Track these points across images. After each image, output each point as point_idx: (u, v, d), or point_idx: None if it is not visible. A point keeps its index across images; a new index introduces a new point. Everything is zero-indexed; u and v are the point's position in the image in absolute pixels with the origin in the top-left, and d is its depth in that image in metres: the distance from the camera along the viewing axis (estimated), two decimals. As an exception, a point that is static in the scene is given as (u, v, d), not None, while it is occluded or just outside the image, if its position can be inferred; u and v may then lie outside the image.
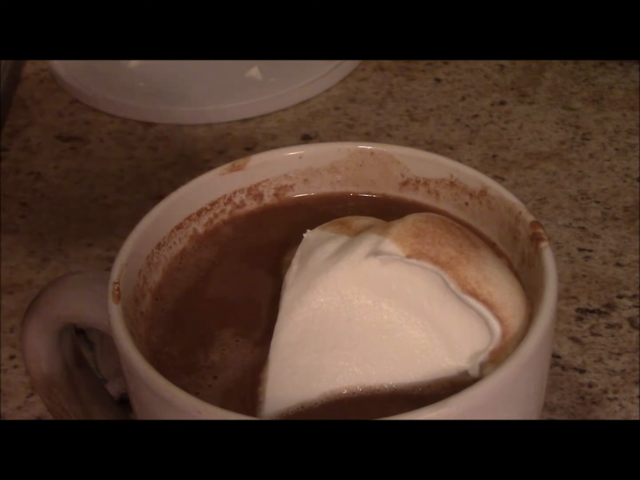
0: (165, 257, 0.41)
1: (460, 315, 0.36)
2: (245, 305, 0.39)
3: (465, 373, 0.36)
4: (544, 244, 0.38)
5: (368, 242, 0.37)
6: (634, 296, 0.58)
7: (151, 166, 0.70)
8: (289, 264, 0.38)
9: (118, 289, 0.37)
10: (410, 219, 0.37)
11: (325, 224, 0.40)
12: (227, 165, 0.43)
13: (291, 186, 0.44)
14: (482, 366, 0.36)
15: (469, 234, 0.38)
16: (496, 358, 0.36)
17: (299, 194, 0.44)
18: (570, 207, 0.64)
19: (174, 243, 0.42)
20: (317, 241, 0.39)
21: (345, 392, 0.35)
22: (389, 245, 0.36)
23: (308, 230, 0.39)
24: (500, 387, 0.34)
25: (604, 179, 0.67)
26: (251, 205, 0.44)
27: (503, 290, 0.36)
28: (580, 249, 0.61)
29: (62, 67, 0.79)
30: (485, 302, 0.35)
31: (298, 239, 0.39)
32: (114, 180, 0.69)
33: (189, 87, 0.77)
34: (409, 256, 0.36)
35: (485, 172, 0.42)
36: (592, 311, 0.57)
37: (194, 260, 0.41)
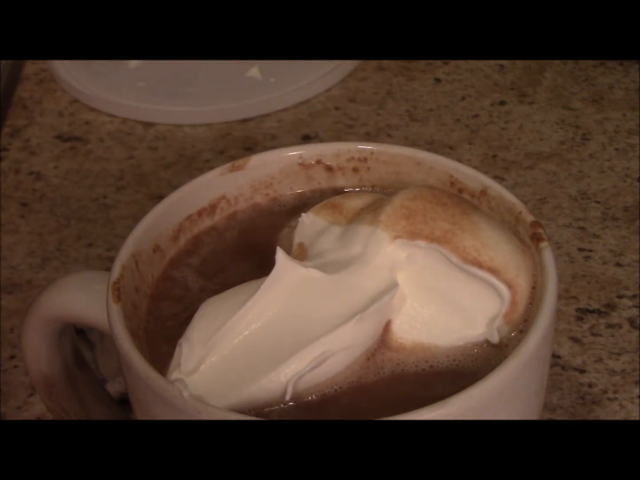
0: (165, 257, 0.41)
1: (468, 285, 0.36)
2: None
3: (485, 340, 0.36)
4: (544, 244, 0.38)
5: (361, 240, 0.37)
6: (634, 296, 0.58)
7: (151, 166, 0.70)
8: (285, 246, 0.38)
9: (118, 289, 0.37)
10: (398, 199, 0.38)
11: (318, 206, 0.41)
12: (227, 165, 0.43)
13: (291, 186, 0.44)
14: (499, 330, 0.36)
15: (460, 201, 0.39)
16: (510, 320, 0.37)
17: (299, 193, 0.44)
18: (570, 207, 0.64)
19: (174, 243, 0.42)
20: (312, 229, 0.39)
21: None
22: (381, 234, 0.37)
23: (302, 214, 0.40)
24: (500, 387, 0.34)
25: (604, 179, 0.67)
26: (251, 205, 0.44)
27: (502, 252, 0.37)
28: (580, 249, 0.61)
29: (62, 67, 0.79)
30: (488, 269, 0.36)
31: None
32: (114, 180, 0.69)
33: (189, 87, 0.77)
34: (401, 238, 0.36)
35: (485, 172, 0.42)
36: (592, 311, 0.57)
37: (195, 260, 0.41)
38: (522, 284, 0.37)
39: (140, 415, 0.37)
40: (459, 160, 0.43)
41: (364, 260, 0.37)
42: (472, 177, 0.42)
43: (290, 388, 0.34)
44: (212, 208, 0.43)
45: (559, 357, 0.54)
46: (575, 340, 0.55)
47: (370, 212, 0.38)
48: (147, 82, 0.78)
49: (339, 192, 0.44)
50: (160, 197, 0.42)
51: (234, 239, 0.43)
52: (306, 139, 0.72)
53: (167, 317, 0.39)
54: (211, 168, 0.43)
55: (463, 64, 0.79)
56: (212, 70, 0.78)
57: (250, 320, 0.35)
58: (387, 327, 0.37)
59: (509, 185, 0.66)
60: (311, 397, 0.35)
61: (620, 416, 0.51)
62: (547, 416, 0.51)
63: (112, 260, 0.39)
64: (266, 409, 0.34)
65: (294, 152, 0.44)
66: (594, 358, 0.54)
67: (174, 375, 0.35)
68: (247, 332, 0.35)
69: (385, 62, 0.80)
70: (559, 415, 0.51)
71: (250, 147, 0.71)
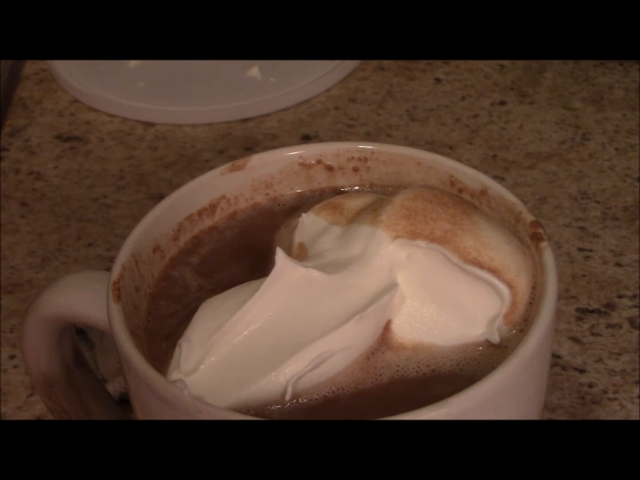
0: (166, 257, 0.41)
1: (468, 285, 0.37)
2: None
3: (485, 340, 0.36)
4: (544, 244, 0.38)
5: (361, 240, 0.37)
6: (634, 296, 0.58)
7: (151, 166, 0.70)
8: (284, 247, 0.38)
9: (118, 289, 0.37)
10: (399, 199, 0.38)
11: (318, 206, 0.41)
12: (228, 165, 0.43)
13: (291, 186, 0.44)
14: (499, 330, 0.36)
15: (460, 201, 0.39)
16: (510, 320, 0.37)
17: (299, 193, 0.44)
18: (570, 207, 0.64)
19: (174, 243, 0.42)
20: (313, 229, 0.39)
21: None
22: (382, 234, 0.37)
23: (303, 214, 0.40)
24: (500, 387, 0.34)
25: (604, 179, 0.67)
26: (251, 205, 0.44)
27: (503, 252, 0.37)
28: (580, 249, 0.61)
29: (62, 67, 0.79)
30: (489, 269, 0.36)
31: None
32: (114, 180, 0.69)
33: (189, 86, 0.77)
34: (402, 237, 0.36)
35: (486, 172, 0.42)
36: (592, 311, 0.57)
37: (195, 259, 0.41)
38: (523, 284, 0.37)
39: (140, 415, 0.37)
40: (459, 160, 0.43)
41: (364, 260, 0.37)
42: (472, 177, 0.42)
43: (290, 388, 0.34)
44: (212, 208, 0.43)
45: (559, 357, 0.54)
46: (575, 340, 0.55)
47: (371, 212, 0.38)
48: (147, 82, 0.78)
49: (339, 192, 0.44)
50: (161, 197, 0.42)
51: (234, 239, 0.43)
52: (306, 138, 0.72)
53: (167, 316, 0.39)
54: (211, 168, 0.43)
55: (463, 63, 0.79)
56: (212, 70, 0.78)
57: (250, 321, 0.35)
58: (387, 327, 0.37)
59: (509, 185, 0.66)
60: (311, 398, 0.35)
61: (620, 416, 0.51)
62: (547, 416, 0.51)
63: (112, 260, 0.39)
64: (266, 409, 0.34)
65: (294, 152, 0.44)
66: (594, 358, 0.54)
67: (173, 375, 0.35)
68: (246, 332, 0.35)
69: (385, 62, 0.79)
70: (559, 415, 0.51)
71: (250, 147, 0.71)
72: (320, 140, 0.71)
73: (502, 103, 0.75)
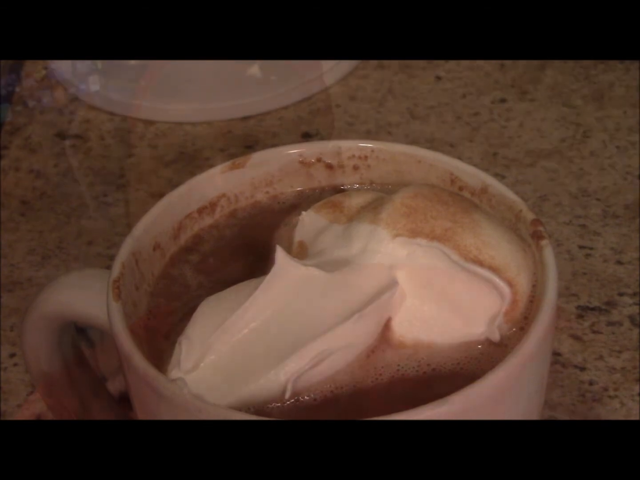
0: (166, 255, 0.41)
1: (468, 283, 0.36)
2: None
3: (486, 339, 0.36)
4: (544, 242, 0.38)
5: (362, 238, 0.37)
6: (635, 294, 0.57)
7: (151, 164, 0.70)
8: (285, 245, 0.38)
9: (118, 287, 0.37)
10: (399, 198, 0.38)
11: (318, 204, 0.41)
12: (228, 163, 0.43)
13: (292, 184, 0.44)
14: (499, 328, 0.36)
15: (461, 199, 0.39)
16: (511, 318, 0.36)
17: (300, 191, 0.44)
18: (570, 204, 0.64)
19: (174, 241, 0.42)
20: (313, 228, 0.39)
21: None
22: (382, 232, 0.37)
23: (303, 213, 0.40)
24: (501, 385, 0.34)
25: (605, 177, 0.67)
26: (252, 203, 0.44)
27: (503, 250, 0.37)
28: (581, 247, 0.61)
29: (62, 65, 0.79)
30: (489, 267, 0.36)
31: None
32: (114, 178, 0.69)
33: (189, 85, 0.77)
34: (402, 236, 0.36)
35: (486, 170, 0.42)
36: (593, 309, 0.57)
37: (195, 258, 0.41)
38: (523, 282, 0.37)
39: (140, 413, 0.37)
40: (460, 158, 0.43)
41: (364, 258, 0.37)
42: (472, 174, 0.42)
43: (290, 386, 0.34)
44: (213, 206, 0.43)
45: (559, 354, 0.54)
46: (575, 337, 0.55)
47: (371, 210, 0.38)
48: (147, 80, 0.78)
49: (339, 190, 0.44)
50: (161, 195, 0.42)
51: (234, 237, 0.43)
52: (306, 137, 0.72)
53: (167, 314, 0.39)
54: (211, 166, 0.43)
55: (463, 61, 0.79)
56: (212, 68, 0.78)
57: (250, 319, 0.35)
58: (387, 325, 0.37)
59: (510, 183, 0.66)
60: (310, 396, 0.35)
61: (620, 414, 0.51)
62: (547, 414, 0.51)
63: (112, 258, 0.39)
64: (266, 408, 0.34)
65: (294, 150, 0.44)
66: (595, 356, 0.54)
67: (173, 373, 0.35)
68: (246, 331, 0.35)
69: (386, 60, 0.79)
70: (560, 413, 0.51)
71: (250, 145, 0.71)
72: (321, 138, 0.71)
73: (503, 101, 0.75)
